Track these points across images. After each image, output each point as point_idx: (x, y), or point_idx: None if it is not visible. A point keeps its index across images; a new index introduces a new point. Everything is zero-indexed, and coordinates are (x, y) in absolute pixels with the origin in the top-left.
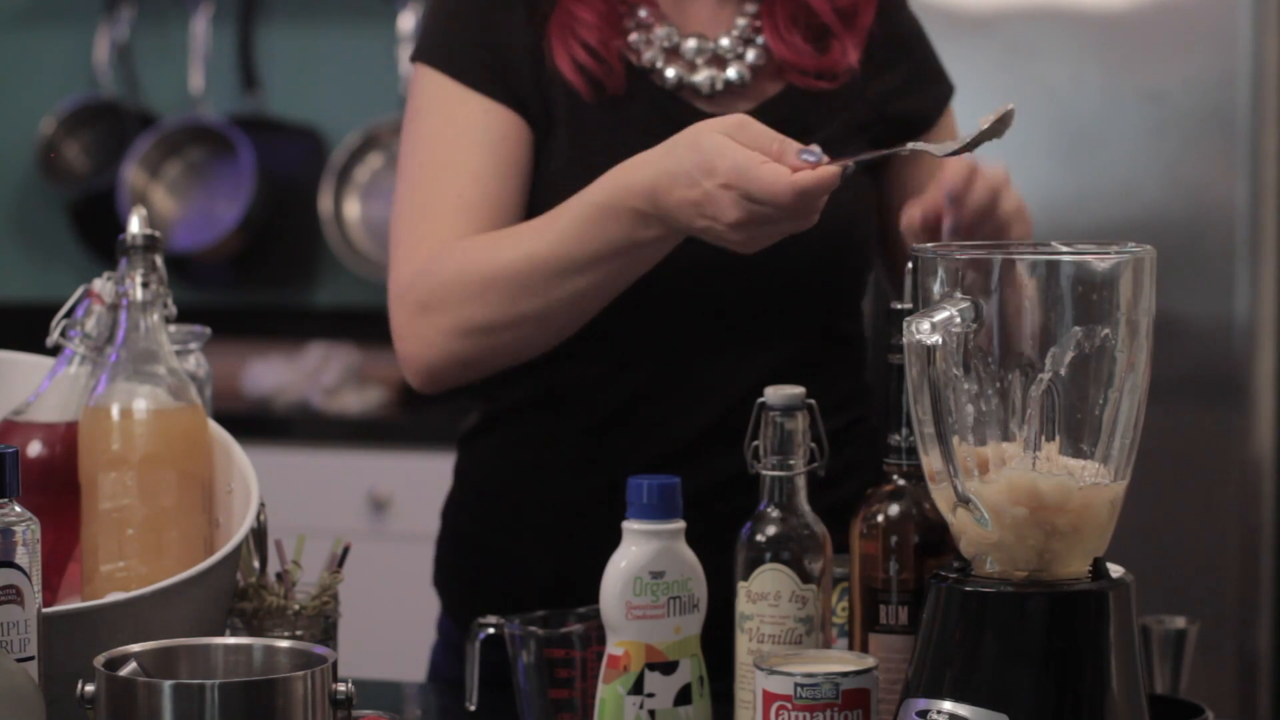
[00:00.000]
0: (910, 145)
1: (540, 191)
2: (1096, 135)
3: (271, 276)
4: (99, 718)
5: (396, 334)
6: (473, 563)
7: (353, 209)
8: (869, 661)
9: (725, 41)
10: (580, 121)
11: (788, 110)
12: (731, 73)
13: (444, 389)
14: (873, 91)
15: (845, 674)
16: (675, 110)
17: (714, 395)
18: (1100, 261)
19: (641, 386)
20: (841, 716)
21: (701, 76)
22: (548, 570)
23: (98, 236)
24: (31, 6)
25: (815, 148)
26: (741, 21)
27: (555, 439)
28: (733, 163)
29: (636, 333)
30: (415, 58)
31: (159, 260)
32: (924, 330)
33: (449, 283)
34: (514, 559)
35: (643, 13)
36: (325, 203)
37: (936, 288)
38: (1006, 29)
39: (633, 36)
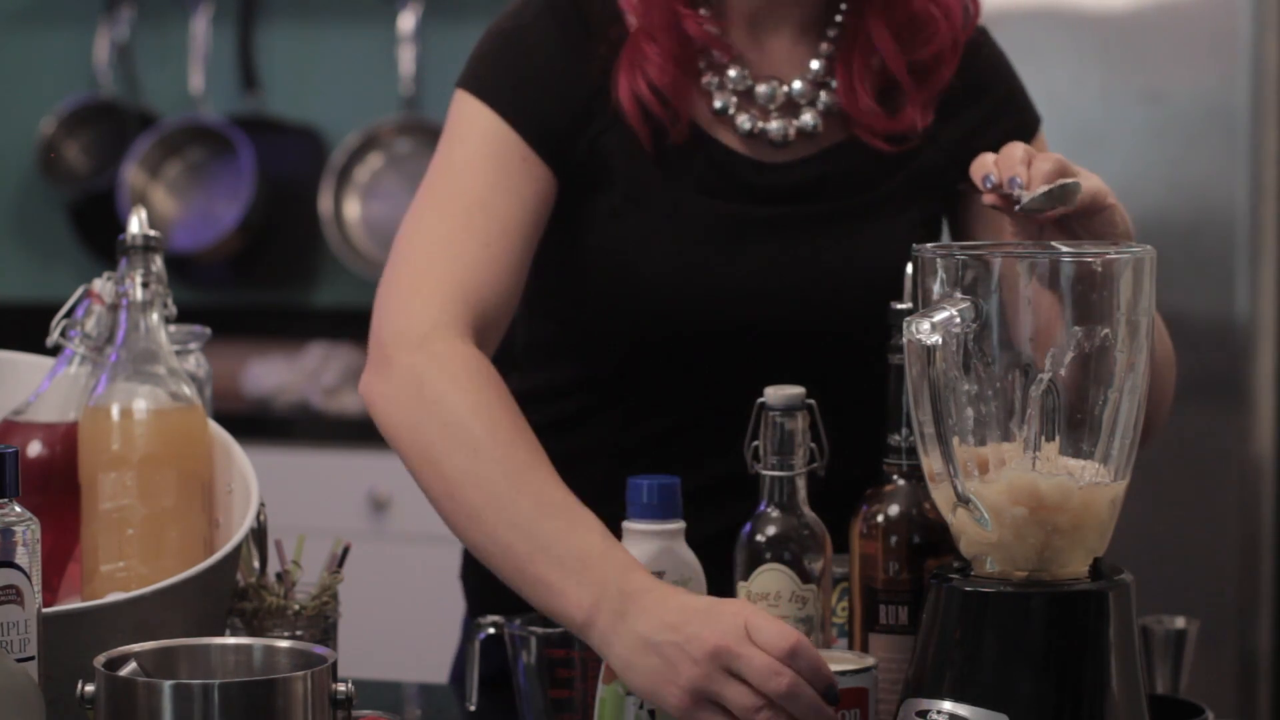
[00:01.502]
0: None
1: (590, 236)
2: (1096, 135)
3: (271, 276)
4: (99, 718)
5: (365, 379)
6: None
7: (353, 209)
8: (868, 661)
9: (799, 85)
10: (637, 168)
11: (851, 160)
12: (806, 119)
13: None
14: (946, 137)
15: (844, 673)
16: (732, 166)
17: (742, 442)
18: (1100, 261)
19: (672, 424)
20: (840, 716)
21: (775, 124)
22: None
23: (98, 236)
24: (31, 6)
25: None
26: (815, 64)
27: (581, 461)
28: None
29: (675, 372)
30: (463, 85)
31: (159, 260)
32: (924, 330)
33: (422, 416)
34: None
35: (715, 52)
36: (325, 203)
37: (936, 288)
38: (1006, 29)
39: (705, 79)
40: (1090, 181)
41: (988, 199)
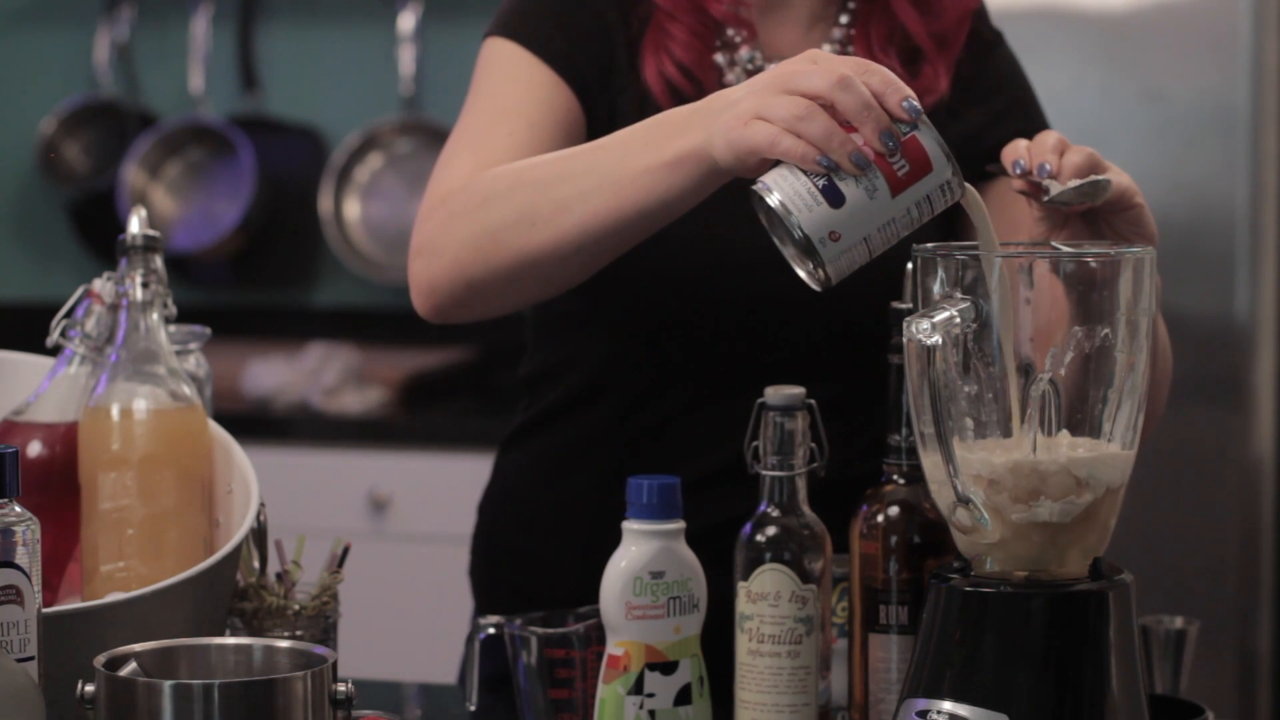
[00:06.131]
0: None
1: None
2: (1096, 135)
3: (271, 276)
4: (99, 718)
5: (415, 249)
6: (504, 562)
7: (353, 209)
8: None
9: None
10: None
11: None
12: None
13: (446, 317)
14: (955, 131)
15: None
16: None
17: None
18: (1100, 261)
19: (678, 409)
20: (893, 157)
21: None
22: (574, 577)
23: (98, 236)
24: (31, 6)
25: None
26: (827, 47)
27: (588, 449)
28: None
29: (683, 356)
30: (493, 33)
31: (159, 260)
32: (924, 330)
33: (481, 190)
34: (543, 563)
35: (730, 31)
36: (325, 203)
37: (936, 288)
38: (1007, 29)
39: (717, 56)
40: (1120, 179)
41: (1016, 184)
